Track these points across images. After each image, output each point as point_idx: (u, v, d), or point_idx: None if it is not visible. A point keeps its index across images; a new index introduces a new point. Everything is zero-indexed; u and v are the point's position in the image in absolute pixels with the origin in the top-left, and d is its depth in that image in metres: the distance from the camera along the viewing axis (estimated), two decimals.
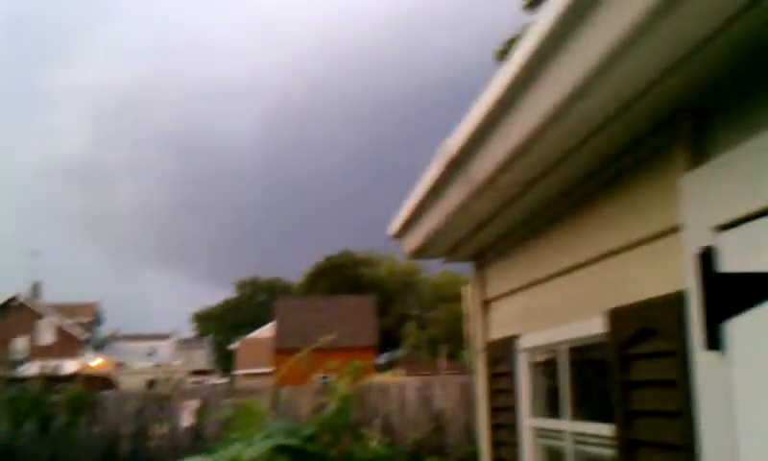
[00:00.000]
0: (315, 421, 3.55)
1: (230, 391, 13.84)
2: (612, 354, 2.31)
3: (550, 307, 2.96)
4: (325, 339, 3.72)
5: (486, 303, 3.80)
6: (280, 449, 3.06)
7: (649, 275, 2.14)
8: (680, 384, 1.91)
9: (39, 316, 57.02)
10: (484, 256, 3.76)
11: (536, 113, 1.93)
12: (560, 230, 2.81)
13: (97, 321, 66.15)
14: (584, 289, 2.63)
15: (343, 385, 3.72)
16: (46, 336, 56.26)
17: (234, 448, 3.03)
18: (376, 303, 48.20)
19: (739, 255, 1.68)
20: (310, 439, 3.24)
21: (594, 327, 2.44)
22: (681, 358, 1.89)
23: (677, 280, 1.90)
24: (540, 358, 3.23)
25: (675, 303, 1.92)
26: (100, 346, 63.32)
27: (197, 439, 4.81)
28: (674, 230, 1.94)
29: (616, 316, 2.29)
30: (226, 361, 70.21)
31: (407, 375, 33.29)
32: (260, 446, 2.98)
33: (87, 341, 59.22)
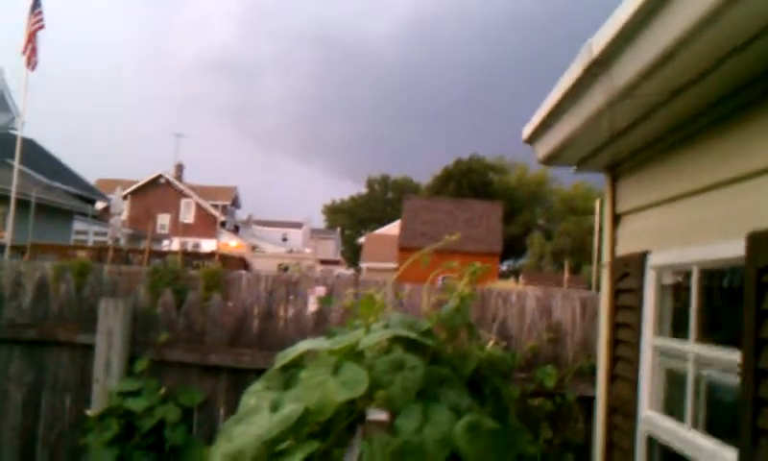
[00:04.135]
0: (432, 317, 3.61)
1: (355, 282, 14.29)
2: (747, 280, 2.18)
3: (685, 226, 2.83)
4: (449, 239, 3.72)
5: (616, 217, 3.68)
6: (397, 340, 3.15)
7: None
8: None
9: (182, 195, 60.64)
10: (618, 168, 3.61)
11: (689, 15, 1.79)
12: (702, 145, 2.64)
13: (235, 204, 69.61)
14: (723, 209, 2.48)
15: (462, 285, 3.74)
16: (187, 215, 59.93)
17: (354, 335, 3.15)
18: (503, 210, 47.69)
19: None
20: (426, 333, 3.30)
21: (731, 249, 2.31)
22: None
23: None
24: (670, 276, 3.11)
25: None
26: (236, 228, 66.87)
27: (321, 323, 5.06)
28: None
29: (757, 240, 2.15)
30: (353, 253, 72.46)
31: (527, 284, 33.14)
32: (379, 334, 3.08)
33: (225, 223, 62.63)
